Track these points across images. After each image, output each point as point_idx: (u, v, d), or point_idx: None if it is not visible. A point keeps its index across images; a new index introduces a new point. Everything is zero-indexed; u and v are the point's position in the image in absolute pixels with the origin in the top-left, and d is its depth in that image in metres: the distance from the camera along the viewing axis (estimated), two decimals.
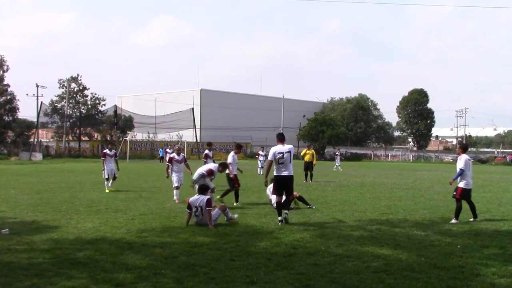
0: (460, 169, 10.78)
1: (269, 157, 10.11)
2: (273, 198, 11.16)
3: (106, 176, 16.52)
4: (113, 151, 17.49)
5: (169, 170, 13.93)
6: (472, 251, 7.48)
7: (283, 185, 9.97)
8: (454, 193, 10.90)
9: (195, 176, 12.20)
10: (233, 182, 13.00)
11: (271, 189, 11.30)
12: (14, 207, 12.00)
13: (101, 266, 6.30)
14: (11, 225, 9.22)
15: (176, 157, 14.00)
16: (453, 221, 10.50)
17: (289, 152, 9.88)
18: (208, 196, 9.72)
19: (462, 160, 10.84)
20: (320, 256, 7.02)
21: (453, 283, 5.74)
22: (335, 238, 8.37)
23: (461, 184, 10.79)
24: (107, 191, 16.10)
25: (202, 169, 12.45)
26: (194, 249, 7.37)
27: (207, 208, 9.38)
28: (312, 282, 5.72)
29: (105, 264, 6.42)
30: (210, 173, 12.23)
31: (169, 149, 31.97)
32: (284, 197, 10.14)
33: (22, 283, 5.58)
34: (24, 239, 8.03)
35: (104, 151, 17.22)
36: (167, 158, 30.45)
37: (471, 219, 10.71)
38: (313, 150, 24.22)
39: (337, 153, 40.83)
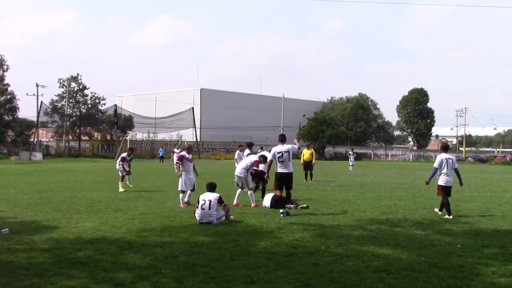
0: (434, 167, 11.48)
1: (269, 157, 11.30)
2: (267, 203, 12.12)
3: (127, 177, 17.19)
4: (131, 156, 18.25)
5: (181, 170, 12.79)
6: (472, 250, 7.49)
7: (282, 180, 11.05)
8: (437, 191, 11.58)
9: (240, 172, 12.64)
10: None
11: (267, 198, 12.38)
12: (14, 207, 11.99)
13: (101, 266, 6.30)
14: (11, 225, 9.22)
15: (187, 155, 12.86)
16: (447, 216, 11.03)
17: (287, 151, 10.97)
18: (219, 194, 10.12)
19: (437, 159, 11.50)
20: (320, 255, 7.02)
21: (453, 282, 5.75)
22: (335, 237, 8.37)
23: (440, 182, 11.40)
24: (130, 185, 16.56)
25: (246, 162, 12.99)
26: (194, 249, 7.37)
27: (223, 205, 9.97)
28: (312, 282, 5.72)
29: (105, 263, 6.42)
30: (256, 165, 12.88)
31: (177, 149, 31.78)
32: (284, 194, 11.04)
33: (22, 283, 5.58)
34: (24, 238, 8.03)
35: (123, 155, 17.63)
36: (175, 157, 30.41)
37: (439, 212, 11.41)
38: (312, 150, 24.20)
39: (350, 152, 39.68)
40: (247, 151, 17.74)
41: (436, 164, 11.40)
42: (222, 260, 6.69)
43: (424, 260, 6.81)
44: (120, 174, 17.20)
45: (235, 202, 12.53)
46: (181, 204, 12.45)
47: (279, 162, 10.94)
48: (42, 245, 7.53)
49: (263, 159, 13.45)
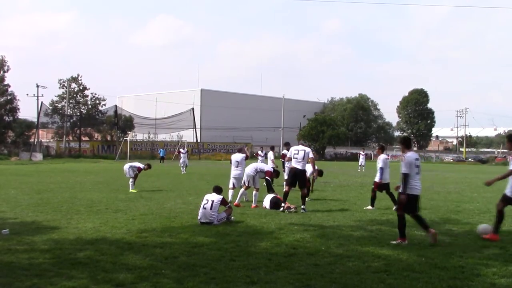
0: (381, 168, 12.59)
1: (288, 154, 12.51)
2: (267, 204, 12.22)
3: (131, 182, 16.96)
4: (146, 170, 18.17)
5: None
6: (473, 251, 7.48)
7: (295, 176, 11.78)
8: (374, 187, 12.76)
9: (251, 171, 12.88)
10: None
11: (267, 199, 12.49)
12: (14, 207, 11.99)
13: (102, 266, 6.29)
14: (12, 225, 9.22)
15: None
16: (369, 207, 12.55)
17: (303, 150, 11.96)
18: (222, 196, 10.10)
19: (381, 160, 12.61)
20: (321, 256, 7.02)
21: (453, 283, 5.74)
22: (336, 238, 8.37)
23: (376, 179, 12.62)
24: (134, 191, 16.25)
25: (260, 166, 13.43)
26: (194, 249, 7.37)
27: (227, 206, 10.01)
28: (312, 282, 5.72)
29: (106, 264, 6.42)
30: (269, 175, 13.43)
31: (183, 149, 31.74)
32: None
33: (22, 283, 5.57)
34: (25, 239, 8.03)
35: (140, 166, 17.35)
36: (182, 157, 30.54)
37: (394, 208, 11.91)
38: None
39: (361, 153, 37.63)
40: (284, 150, 18.25)
41: (382, 165, 12.52)
42: (222, 260, 6.68)
43: (424, 260, 6.81)
44: (127, 176, 17.08)
45: (236, 201, 12.56)
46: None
47: (293, 158, 11.89)
48: (43, 246, 7.53)
49: (276, 173, 14.61)
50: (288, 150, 17.40)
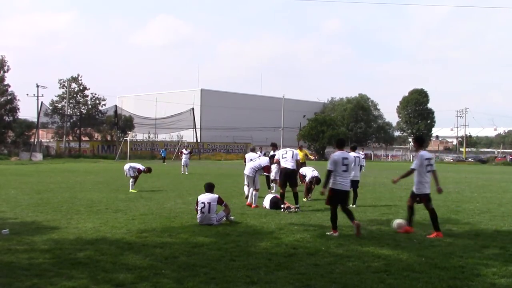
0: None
1: (276, 157, 12.87)
2: (267, 204, 12.27)
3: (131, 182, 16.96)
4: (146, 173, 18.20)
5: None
6: (473, 251, 7.48)
7: (286, 176, 12.07)
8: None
9: (249, 172, 12.89)
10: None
11: (267, 200, 12.55)
12: (14, 207, 11.99)
13: (102, 266, 6.30)
14: (12, 225, 9.22)
15: None
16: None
17: (292, 151, 12.47)
18: (218, 195, 9.97)
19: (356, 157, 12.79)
20: (321, 256, 7.02)
21: (453, 283, 5.74)
22: (335, 238, 8.37)
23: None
24: (134, 191, 16.24)
25: (256, 163, 13.30)
26: (194, 249, 7.37)
27: (223, 204, 9.85)
28: (312, 282, 5.72)
29: (106, 264, 6.42)
30: (267, 170, 13.65)
31: (185, 150, 31.76)
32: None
33: (22, 283, 5.58)
34: (25, 239, 8.03)
35: (140, 168, 17.39)
36: (183, 158, 30.67)
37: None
38: (306, 150, 24.13)
39: (361, 153, 36.93)
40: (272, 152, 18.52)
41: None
42: (222, 260, 6.69)
43: (424, 260, 6.81)
44: (127, 176, 17.12)
45: (248, 201, 12.82)
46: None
47: (282, 158, 12.21)
48: (43, 246, 7.53)
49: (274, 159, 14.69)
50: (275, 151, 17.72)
